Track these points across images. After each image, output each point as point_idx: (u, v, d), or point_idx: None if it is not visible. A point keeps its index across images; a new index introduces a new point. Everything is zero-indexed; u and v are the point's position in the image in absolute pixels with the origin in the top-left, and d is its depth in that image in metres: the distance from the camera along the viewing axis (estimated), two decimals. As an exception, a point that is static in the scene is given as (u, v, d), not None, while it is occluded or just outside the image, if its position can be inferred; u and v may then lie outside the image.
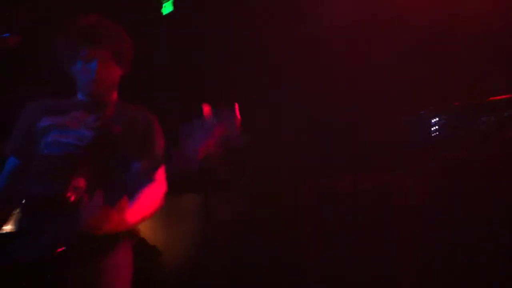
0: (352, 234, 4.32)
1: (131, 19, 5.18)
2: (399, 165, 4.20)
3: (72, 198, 2.13)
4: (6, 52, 2.12)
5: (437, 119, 3.91)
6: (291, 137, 5.05)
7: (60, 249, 2.07)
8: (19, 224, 2.26)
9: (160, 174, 2.25)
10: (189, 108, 2.21)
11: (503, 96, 3.75)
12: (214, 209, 6.98)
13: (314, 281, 4.63)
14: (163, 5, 5.38)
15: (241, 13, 4.97)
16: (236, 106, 1.86)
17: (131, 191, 2.17)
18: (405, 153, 4.16)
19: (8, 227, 2.34)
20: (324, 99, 4.72)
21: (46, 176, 2.25)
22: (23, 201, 2.29)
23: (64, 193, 2.16)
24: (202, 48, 5.23)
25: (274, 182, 5.38)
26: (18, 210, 2.31)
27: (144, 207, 2.28)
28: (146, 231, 7.39)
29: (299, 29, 4.70)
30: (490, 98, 3.81)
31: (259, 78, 4.99)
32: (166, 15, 5.35)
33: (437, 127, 3.89)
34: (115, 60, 2.38)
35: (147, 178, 2.21)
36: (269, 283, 5.45)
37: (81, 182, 2.17)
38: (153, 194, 2.29)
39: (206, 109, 1.87)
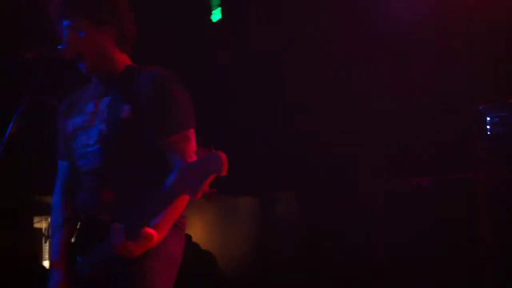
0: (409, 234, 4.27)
1: (182, 27, 5.32)
2: (464, 164, 4.14)
3: (105, 219, 2.06)
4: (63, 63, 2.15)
5: (494, 116, 3.81)
6: (351, 138, 5.03)
7: (99, 271, 2.09)
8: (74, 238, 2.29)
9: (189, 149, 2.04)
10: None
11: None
12: (271, 210, 6.99)
13: (377, 279, 4.56)
14: (213, 12, 5.45)
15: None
16: (222, 155, 1.76)
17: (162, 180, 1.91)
18: (467, 152, 4.10)
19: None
20: (388, 100, 4.70)
21: (81, 192, 2.24)
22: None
23: (97, 215, 2.13)
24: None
25: (332, 183, 5.34)
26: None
27: (171, 218, 2.10)
28: (204, 234, 7.50)
29: (363, 29, 4.68)
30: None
31: (321, 79, 4.99)
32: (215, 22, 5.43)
33: (493, 124, 3.80)
34: (94, 26, 2.14)
35: (186, 186, 1.82)
36: (326, 281, 5.41)
37: (110, 197, 2.11)
38: (178, 206, 2.08)
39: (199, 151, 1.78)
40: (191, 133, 2.11)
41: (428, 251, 4.20)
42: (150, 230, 1.95)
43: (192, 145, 2.08)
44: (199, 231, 7.67)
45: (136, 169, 2.12)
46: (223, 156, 1.71)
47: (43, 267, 5.47)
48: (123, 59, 2.28)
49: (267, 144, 5.52)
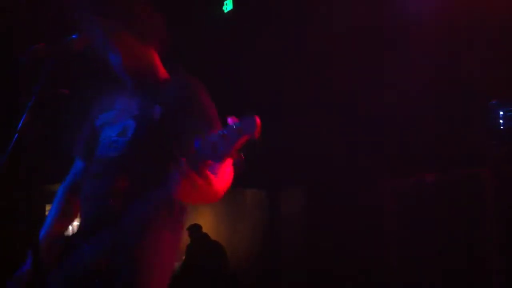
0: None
1: (193, 17, 5.32)
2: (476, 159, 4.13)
3: (117, 204, 2.09)
4: (73, 55, 2.16)
5: (507, 110, 3.78)
6: (359, 135, 5.02)
7: (103, 262, 2.08)
8: (77, 228, 2.29)
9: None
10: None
11: None
12: (278, 204, 6.99)
13: (385, 276, 4.56)
14: (225, 2, 5.44)
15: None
16: (257, 118, 1.78)
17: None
18: (479, 147, 4.07)
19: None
20: (397, 98, 4.69)
21: (95, 179, 2.24)
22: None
23: (108, 197, 2.14)
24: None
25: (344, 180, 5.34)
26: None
27: (227, 178, 2.10)
28: (213, 225, 7.52)
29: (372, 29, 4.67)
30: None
31: (334, 79, 4.98)
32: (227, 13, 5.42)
33: (507, 118, 3.77)
34: (135, 37, 2.22)
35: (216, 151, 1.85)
36: (332, 274, 5.42)
37: (125, 184, 2.13)
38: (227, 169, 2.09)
39: (231, 119, 1.80)
40: None
41: (435, 247, 4.19)
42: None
43: None
44: (208, 222, 7.69)
45: (152, 165, 2.14)
46: (257, 119, 1.73)
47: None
48: (155, 61, 2.34)
49: (276, 139, 5.53)
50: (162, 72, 2.35)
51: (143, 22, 2.27)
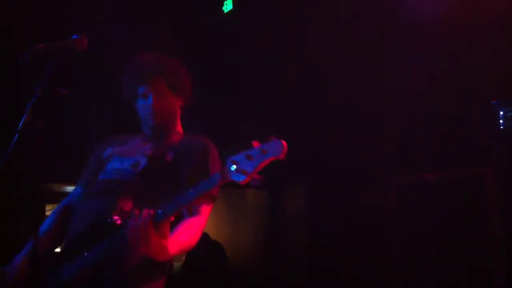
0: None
1: (192, 18, 5.32)
2: (475, 159, 4.13)
3: (118, 221, 2.13)
4: (75, 54, 2.16)
5: (507, 110, 3.78)
6: (361, 134, 5.03)
7: (94, 272, 2.11)
8: (68, 243, 2.33)
9: (207, 209, 2.36)
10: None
11: None
12: (279, 204, 6.99)
13: (387, 277, 4.55)
14: (225, 2, 5.43)
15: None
16: (284, 142, 1.87)
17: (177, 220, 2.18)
18: (480, 148, 4.08)
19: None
20: (398, 97, 4.69)
21: (96, 197, 2.31)
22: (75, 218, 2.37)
23: (111, 214, 2.18)
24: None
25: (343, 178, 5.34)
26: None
27: (186, 240, 2.26)
28: (214, 225, 7.52)
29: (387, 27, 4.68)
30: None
31: (342, 78, 4.99)
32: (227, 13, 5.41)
33: (507, 118, 3.77)
34: (171, 92, 2.45)
35: (195, 209, 2.26)
36: (333, 274, 5.42)
37: (128, 205, 2.19)
38: (195, 228, 2.30)
39: (256, 143, 1.89)
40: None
41: (436, 246, 4.18)
42: (163, 241, 2.03)
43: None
44: (209, 221, 7.70)
45: (157, 196, 2.23)
46: (283, 142, 1.86)
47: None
48: (178, 114, 2.58)
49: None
50: (179, 127, 2.56)
51: (176, 74, 2.48)
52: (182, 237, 2.22)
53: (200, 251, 6.94)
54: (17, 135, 1.98)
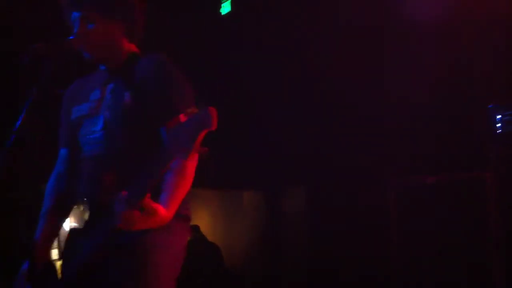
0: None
1: (190, 19, 5.31)
2: (473, 163, 4.13)
3: (105, 198, 2.01)
4: (73, 55, 2.15)
5: (504, 114, 3.79)
6: (360, 136, 5.02)
7: (101, 253, 2.07)
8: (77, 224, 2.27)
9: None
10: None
11: None
12: (276, 205, 6.98)
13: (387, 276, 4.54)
14: (222, 5, 5.43)
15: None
16: (213, 109, 1.74)
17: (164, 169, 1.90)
18: (477, 151, 4.08)
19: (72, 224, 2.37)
20: (397, 100, 4.70)
21: (83, 179, 2.23)
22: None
23: (98, 197, 2.10)
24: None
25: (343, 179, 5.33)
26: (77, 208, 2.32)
27: (179, 193, 2.04)
28: (209, 226, 7.50)
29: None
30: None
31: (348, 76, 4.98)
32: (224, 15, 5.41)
33: (504, 122, 3.77)
34: (103, 17, 2.15)
35: (178, 146, 1.82)
36: (331, 276, 5.41)
37: (109, 178, 2.05)
38: (185, 173, 2.02)
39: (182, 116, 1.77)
40: None
41: (436, 248, 4.18)
42: (152, 203, 1.89)
43: None
44: (205, 223, 7.68)
45: (137, 154, 2.07)
46: (212, 110, 1.68)
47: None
48: (129, 48, 2.29)
49: (274, 139, 5.51)
50: (127, 51, 2.25)
51: (131, 9, 2.20)
52: (175, 192, 2.02)
53: (196, 252, 6.94)
54: (14, 135, 1.96)
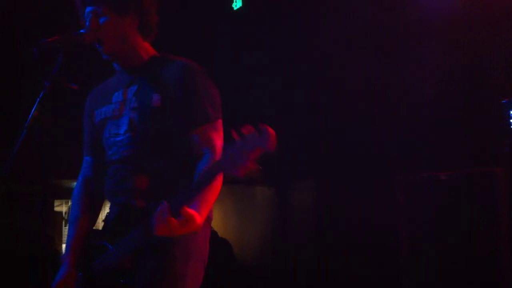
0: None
1: (202, 14, 5.32)
2: (485, 158, 4.11)
3: (141, 205, 2.09)
4: (84, 48, 2.15)
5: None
6: (370, 130, 5.00)
7: (130, 258, 2.08)
8: (102, 232, 2.28)
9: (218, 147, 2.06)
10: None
11: None
12: (287, 200, 6.98)
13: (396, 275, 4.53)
14: (234, 0, 5.43)
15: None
16: (269, 128, 1.69)
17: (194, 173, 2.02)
18: (489, 146, 4.06)
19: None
20: (409, 94, 4.67)
21: (111, 182, 2.24)
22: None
23: (131, 201, 2.13)
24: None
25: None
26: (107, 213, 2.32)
27: (211, 200, 2.11)
28: (221, 222, 7.52)
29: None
30: None
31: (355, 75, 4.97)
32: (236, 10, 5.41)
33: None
34: (115, 11, 2.14)
35: (207, 149, 2.04)
36: (341, 271, 5.40)
37: (143, 182, 2.11)
38: (217, 181, 2.04)
39: (246, 129, 1.75)
40: (219, 123, 2.14)
41: (448, 245, 4.16)
42: (190, 210, 1.92)
43: (220, 135, 2.11)
44: (216, 219, 7.70)
45: (166, 157, 2.14)
46: (270, 131, 1.69)
47: (57, 251, 5.53)
48: (146, 47, 2.28)
49: (285, 134, 5.50)
50: (145, 51, 2.25)
51: (144, 5, 2.19)
52: (207, 199, 2.06)
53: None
54: (25, 131, 1.96)
